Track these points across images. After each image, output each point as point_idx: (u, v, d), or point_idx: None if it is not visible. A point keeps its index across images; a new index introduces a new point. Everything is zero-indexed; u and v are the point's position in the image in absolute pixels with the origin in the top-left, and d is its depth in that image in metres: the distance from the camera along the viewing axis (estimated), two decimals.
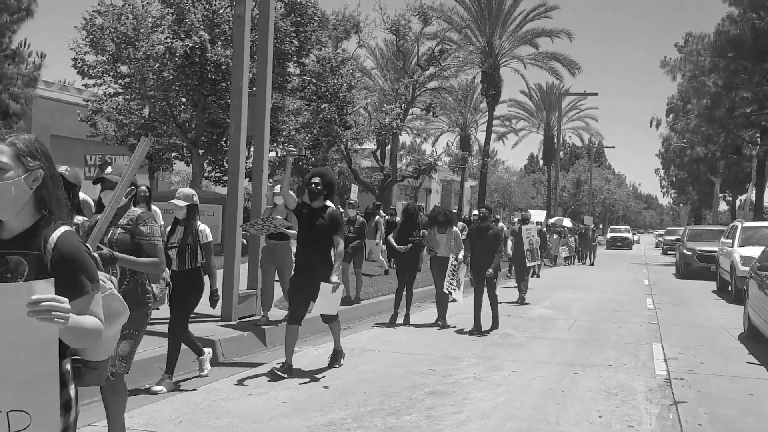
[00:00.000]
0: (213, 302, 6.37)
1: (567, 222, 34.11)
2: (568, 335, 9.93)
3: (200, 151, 19.48)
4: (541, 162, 65.22)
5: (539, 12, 33.73)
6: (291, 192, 6.84)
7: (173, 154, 23.38)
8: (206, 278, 6.29)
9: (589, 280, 20.52)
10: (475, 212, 18.59)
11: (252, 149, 10.25)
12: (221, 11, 18.13)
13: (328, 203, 6.96)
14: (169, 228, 6.43)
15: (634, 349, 8.87)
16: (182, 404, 5.62)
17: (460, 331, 9.81)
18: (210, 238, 6.22)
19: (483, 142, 37.04)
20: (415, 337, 9.33)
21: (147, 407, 5.49)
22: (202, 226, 6.22)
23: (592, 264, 29.57)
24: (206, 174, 22.45)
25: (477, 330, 9.68)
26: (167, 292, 5.97)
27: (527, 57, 35.21)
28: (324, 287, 6.54)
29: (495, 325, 10.11)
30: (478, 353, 8.24)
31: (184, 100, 18.94)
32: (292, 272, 7.29)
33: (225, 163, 21.42)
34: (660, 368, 7.67)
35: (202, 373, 6.35)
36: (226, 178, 23.66)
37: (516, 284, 14.50)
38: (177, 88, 17.94)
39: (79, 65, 17.49)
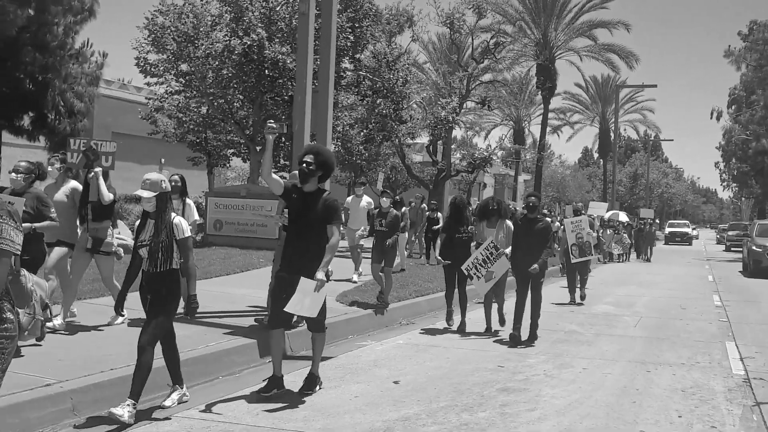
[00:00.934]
0: (190, 311, 5.30)
1: (623, 216, 32.94)
2: (635, 332, 9.71)
3: (258, 148, 19.74)
4: (595, 155, 64.00)
5: (595, 3, 33.08)
6: (275, 175, 5.80)
7: (231, 150, 23.81)
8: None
9: (649, 276, 20.03)
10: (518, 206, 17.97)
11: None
12: (278, 8, 18.33)
13: (326, 187, 5.98)
14: (138, 222, 5.41)
15: (706, 348, 8.62)
16: (257, 396, 5.69)
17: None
18: (187, 233, 5.19)
19: (536, 136, 36.61)
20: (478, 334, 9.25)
21: (220, 405, 5.58)
22: (177, 219, 5.19)
23: (648, 260, 28.17)
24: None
25: (515, 340, 8.32)
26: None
27: (583, 49, 34.63)
28: (305, 283, 5.47)
29: (532, 336, 8.52)
30: (545, 350, 8.12)
31: (241, 97, 19.23)
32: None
33: (282, 159, 21.68)
34: (737, 367, 7.43)
35: (164, 403, 5.27)
36: (281, 173, 24.07)
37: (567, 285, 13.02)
38: (235, 85, 18.23)
39: (142, 64, 17.90)
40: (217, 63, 17.48)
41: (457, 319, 9.30)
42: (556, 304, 12.36)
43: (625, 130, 65.35)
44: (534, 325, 8.59)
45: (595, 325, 10.23)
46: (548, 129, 44.74)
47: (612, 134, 45.02)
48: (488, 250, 8.63)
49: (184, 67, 18.02)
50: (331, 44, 9.22)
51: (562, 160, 59.15)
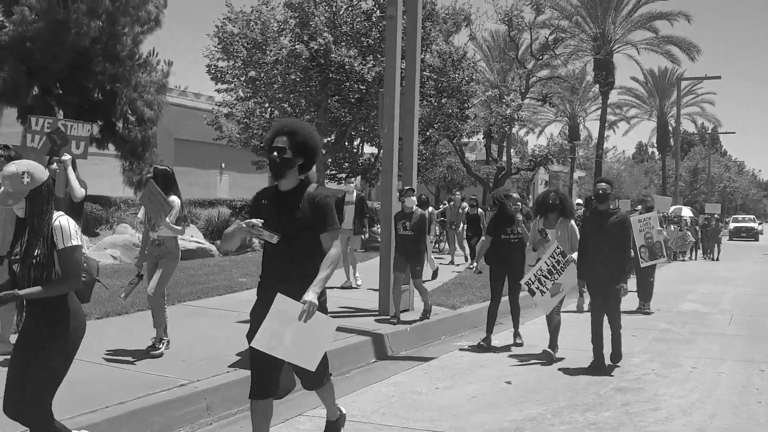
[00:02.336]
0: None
1: (686, 211, 31.63)
2: (731, 330, 9.50)
3: (323, 151, 19.94)
4: (650, 150, 62.72)
5: None
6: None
7: None
8: None
9: (724, 272, 19.53)
10: (578, 201, 17.07)
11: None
12: (342, 12, 18.50)
13: (312, 179, 4.25)
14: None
15: None
16: (375, 396, 5.78)
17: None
18: (74, 241, 3.54)
19: (591, 131, 36.05)
20: (575, 332, 9.17)
21: (344, 404, 5.68)
22: (58, 222, 3.51)
23: (716, 258, 26.53)
24: (327, 172, 22.98)
25: (597, 367, 6.72)
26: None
27: (641, 42, 33.98)
28: (283, 304, 3.69)
29: (616, 357, 6.93)
30: (646, 349, 8.01)
31: (303, 101, 19.43)
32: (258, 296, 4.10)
33: (346, 162, 21.87)
34: None
35: None
36: (342, 175, 24.25)
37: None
38: (300, 89, 18.47)
39: (213, 71, 18.28)
40: (282, 68, 17.73)
41: (500, 336, 8.21)
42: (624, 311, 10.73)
43: (682, 123, 63.91)
44: (616, 344, 6.94)
45: (688, 323, 10.04)
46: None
47: (671, 128, 44.00)
48: (554, 257, 6.97)
49: (252, 73, 18.32)
50: (417, 46, 9.27)
51: (617, 155, 58.02)
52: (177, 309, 8.48)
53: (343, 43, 17.59)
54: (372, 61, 17.04)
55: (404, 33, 9.23)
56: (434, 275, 11.11)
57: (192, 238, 16.65)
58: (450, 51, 18.35)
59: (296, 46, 17.33)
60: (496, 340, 8.10)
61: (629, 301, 9.90)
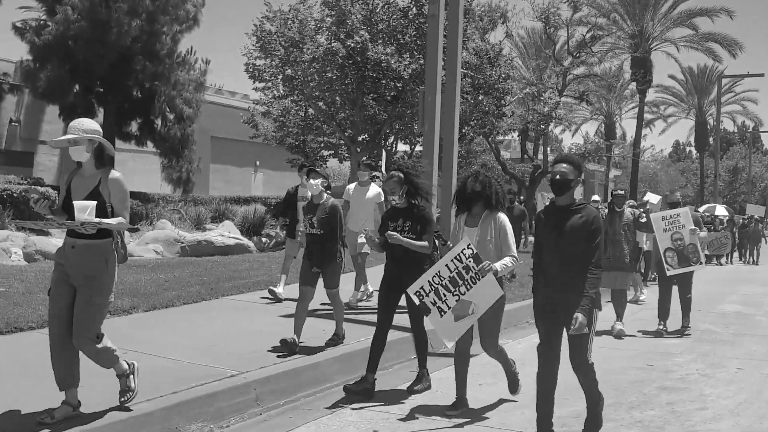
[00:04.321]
0: None
1: (721, 210, 29.83)
2: None
3: (358, 149, 20.05)
4: (688, 149, 61.65)
5: None
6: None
7: (329, 152, 24.28)
8: None
9: (765, 274, 19.17)
10: (595, 197, 17.01)
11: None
12: (378, 10, 18.58)
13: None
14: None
15: None
16: (419, 394, 5.83)
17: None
18: None
19: (627, 130, 35.58)
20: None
21: (389, 393, 5.75)
22: None
23: (756, 262, 24.83)
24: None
25: None
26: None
27: (681, 39, 33.40)
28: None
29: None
30: (688, 349, 7.93)
31: (338, 99, 19.55)
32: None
33: (380, 160, 21.94)
34: None
35: None
36: (377, 174, 24.35)
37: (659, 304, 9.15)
38: (337, 87, 18.60)
39: (251, 69, 18.50)
40: (319, 65, 17.88)
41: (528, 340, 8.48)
42: (642, 333, 8.95)
43: (722, 122, 62.64)
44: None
45: (731, 324, 9.90)
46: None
47: (710, 126, 43.21)
48: (460, 260, 5.04)
49: (289, 71, 18.50)
50: (458, 44, 9.31)
51: (654, 154, 57.17)
52: (221, 303, 8.65)
53: (379, 41, 17.67)
54: (408, 59, 17.09)
55: (445, 31, 9.28)
56: None
57: (230, 234, 16.88)
58: (486, 48, 18.31)
59: (333, 44, 17.47)
60: (519, 345, 8.09)
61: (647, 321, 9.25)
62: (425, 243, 5.66)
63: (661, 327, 8.88)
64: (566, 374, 6.57)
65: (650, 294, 11.66)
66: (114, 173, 4.52)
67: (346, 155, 22.58)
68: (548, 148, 26.00)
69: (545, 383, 4.78)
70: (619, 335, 8.53)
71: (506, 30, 25.09)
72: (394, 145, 23.53)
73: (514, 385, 5.65)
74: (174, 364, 5.75)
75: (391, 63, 16.82)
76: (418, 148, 22.51)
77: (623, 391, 5.97)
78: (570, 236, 4.46)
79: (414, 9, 17.97)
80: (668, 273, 8.82)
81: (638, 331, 8.90)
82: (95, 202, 4.32)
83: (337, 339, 6.79)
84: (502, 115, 19.24)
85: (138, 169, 29.90)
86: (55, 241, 13.20)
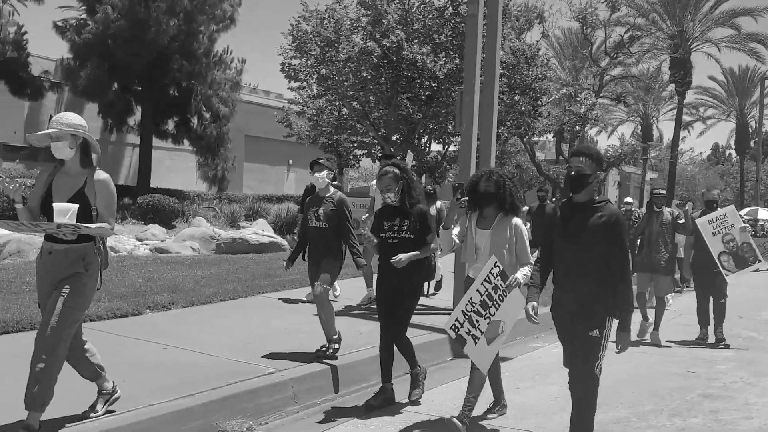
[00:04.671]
0: None
1: (763, 213, 29.14)
2: None
3: (392, 148, 20.03)
4: (728, 152, 60.34)
5: None
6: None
7: (362, 151, 24.30)
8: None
9: None
10: (628, 199, 16.57)
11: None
12: (414, 9, 18.53)
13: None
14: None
15: None
16: (457, 393, 5.79)
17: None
18: None
19: (664, 132, 34.97)
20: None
21: (426, 394, 5.73)
22: None
23: None
24: None
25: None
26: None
27: (722, 39, 32.77)
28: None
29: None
30: (732, 356, 7.76)
31: (372, 98, 19.54)
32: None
33: (413, 160, 21.88)
34: None
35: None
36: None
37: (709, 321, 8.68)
38: (371, 87, 18.59)
39: (287, 69, 18.60)
40: (354, 65, 17.89)
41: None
42: (674, 342, 8.51)
43: (765, 124, 61.09)
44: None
45: None
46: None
47: (751, 129, 42.21)
48: (489, 281, 4.66)
49: (324, 71, 18.55)
50: (497, 44, 9.22)
51: (692, 157, 56.02)
52: (257, 300, 8.71)
53: (415, 41, 17.61)
54: (444, 58, 17.01)
55: (483, 30, 9.20)
56: (437, 286, 9.88)
57: (263, 232, 17.00)
58: (524, 48, 18.15)
59: (368, 44, 17.47)
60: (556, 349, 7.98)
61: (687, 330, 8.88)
62: (429, 246, 5.38)
63: (703, 336, 8.56)
64: (603, 376, 6.47)
65: (677, 302, 11.48)
66: (101, 174, 4.19)
67: (380, 155, 22.58)
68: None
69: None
70: (655, 342, 8.34)
71: (543, 30, 24.86)
72: (427, 145, 23.45)
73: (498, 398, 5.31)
74: (212, 360, 5.80)
75: (427, 63, 16.76)
76: (452, 148, 22.41)
77: (663, 397, 5.86)
78: (588, 237, 4.04)
79: (450, 8, 17.87)
80: (727, 278, 8.35)
81: (671, 341, 8.66)
82: (77, 205, 3.96)
83: (332, 345, 6.02)
84: (538, 115, 19.05)
85: (174, 167, 30.32)
86: None
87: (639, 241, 8.62)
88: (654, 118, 42.73)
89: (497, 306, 4.67)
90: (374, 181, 8.08)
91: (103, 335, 6.36)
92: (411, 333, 5.73)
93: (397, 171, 5.36)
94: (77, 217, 3.93)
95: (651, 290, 9.07)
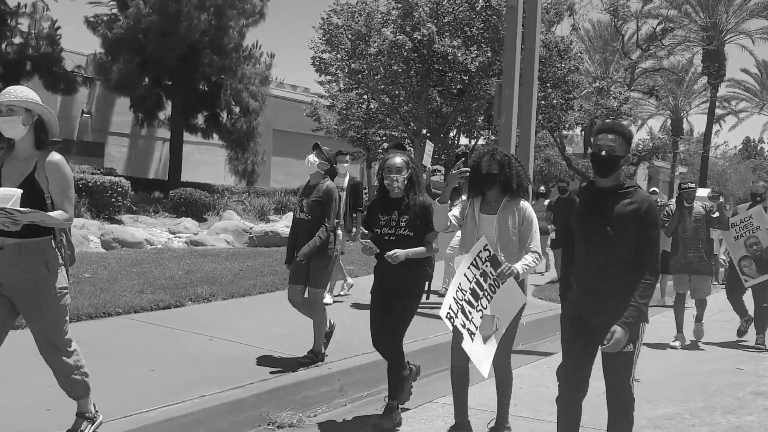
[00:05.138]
0: None
1: None
2: None
3: (422, 142, 19.98)
4: (760, 146, 59.25)
5: None
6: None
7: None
8: None
9: None
10: (655, 188, 16.08)
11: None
12: (444, 3, 18.45)
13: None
14: None
15: None
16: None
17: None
18: None
19: (694, 126, 34.43)
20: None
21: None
22: None
23: None
24: None
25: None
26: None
27: (757, 31, 32.13)
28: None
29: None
30: None
31: (402, 92, 19.50)
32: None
33: (442, 153, 21.83)
34: None
35: None
36: (439, 168, 24.22)
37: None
38: (402, 80, 18.56)
39: (317, 63, 18.63)
40: (384, 58, 17.87)
41: None
42: (715, 340, 8.22)
43: None
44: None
45: None
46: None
47: None
48: (476, 265, 4.07)
49: (355, 64, 18.56)
50: (536, 36, 9.12)
51: (726, 150, 54.98)
52: None
53: (446, 34, 17.54)
54: (476, 51, 16.92)
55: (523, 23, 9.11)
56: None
57: (287, 227, 17.07)
58: (556, 41, 17.98)
59: (398, 37, 17.43)
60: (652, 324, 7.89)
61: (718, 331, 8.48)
62: (431, 245, 4.74)
63: (744, 326, 8.29)
64: (651, 371, 6.41)
65: (714, 299, 11.25)
66: (54, 155, 3.63)
67: (409, 149, 22.54)
68: None
69: (568, 419, 3.78)
70: (698, 337, 8.01)
71: (573, 23, 24.60)
72: (456, 139, 23.38)
73: (501, 422, 4.52)
74: (257, 351, 5.81)
75: (458, 56, 16.68)
76: (481, 141, 22.30)
77: (713, 394, 5.76)
78: (615, 227, 3.42)
79: (481, 1, 17.76)
80: (747, 285, 7.98)
81: (711, 340, 8.49)
82: (20, 191, 3.42)
83: (314, 357, 5.53)
84: (569, 108, 18.89)
85: (203, 161, 30.55)
86: (132, 229, 13.58)
87: (672, 240, 7.90)
88: (684, 112, 42.10)
89: (489, 297, 4.02)
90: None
91: (148, 326, 6.42)
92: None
93: (406, 158, 4.76)
94: (26, 206, 3.40)
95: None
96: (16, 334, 4.22)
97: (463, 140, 25.01)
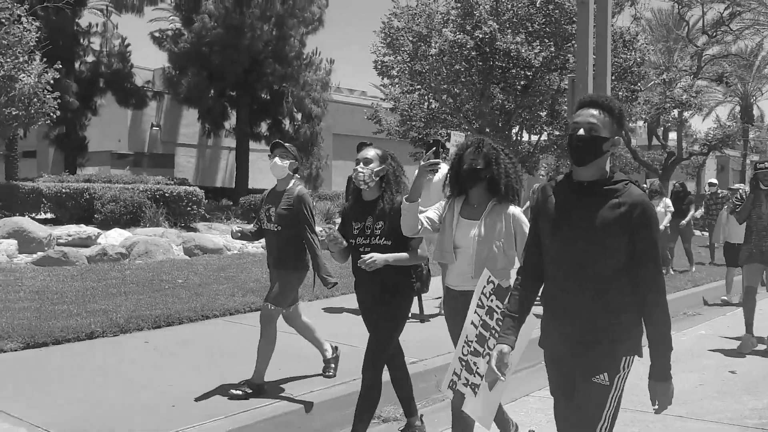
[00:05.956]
0: None
1: None
2: None
3: (492, 133, 19.96)
4: None
5: None
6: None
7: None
8: None
9: None
10: (712, 180, 15.27)
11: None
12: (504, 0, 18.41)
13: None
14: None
15: None
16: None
17: None
18: None
19: (765, 112, 33.19)
20: None
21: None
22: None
23: None
24: None
25: None
26: None
27: None
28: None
29: None
30: None
31: (465, 91, 19.50)
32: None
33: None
34: None
35: None
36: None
37: None
38: (464, 79, 18.59)
39: (379, 66, 18.85)
40: (446, 58, 17.94)
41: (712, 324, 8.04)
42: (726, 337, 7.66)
43: None
44: None
45: None
46: None
47: None
48: (482, 304, 3.40)
49: (417, 66, 18.67)
50: (608, 30, 9.10)
51: None
52: None
53: (508, 30, 17.49)
54: (539, 46, 16.82)
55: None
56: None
57: None
58: (621, 31, 17.72)
59: (458, 37, 17.48)
60: (684, 336, 7.81)
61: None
62: (416, 252, 3.98)
63: None
64: (750, 364, 6.33)
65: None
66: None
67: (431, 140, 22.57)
68: (683, 134, 24.75)
69: None
70: None
71: (634, 12, 24.13)
72: (519, 135, 23.24)
73: None
74: (354, 350, 6.00)
75: (522, 52, 16.62)
76: (544, 137, 22.12)
77: None
78: (596, 235, 2.56)
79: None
80: None
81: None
82: None
83: (246, 393, 4.68)
84: (634, 100, 18.57)
85: (266, 168, 31.26)
86: (210, 235, 14.04)
87: (746, 228, 7.24)
88: (754, 98, 40.68)
89: (495, 335, 3.30)
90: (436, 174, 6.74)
91: (245, 327, 6.70)
92: None
93: (381, 152, 4.08)
94: None
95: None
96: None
97: (526, 136, 24.86)
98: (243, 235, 4.95)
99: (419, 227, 3.69)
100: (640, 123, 31.55)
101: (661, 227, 11.78)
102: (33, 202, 16.77)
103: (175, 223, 17.00)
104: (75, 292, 7.63)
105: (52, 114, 15.56)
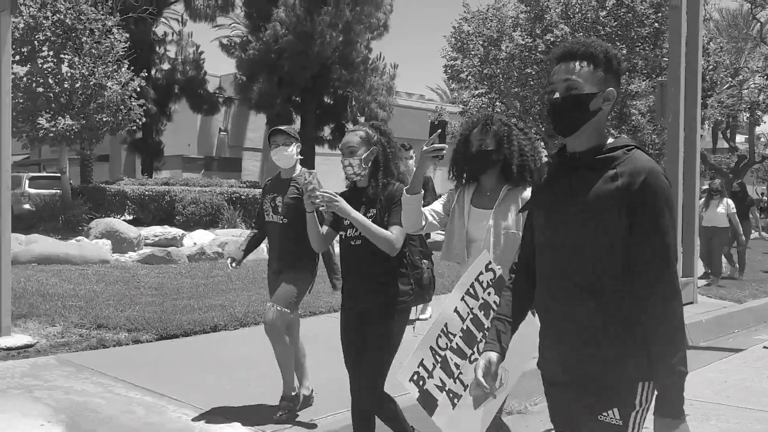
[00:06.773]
0: None
1: None
2: None
3: (555, 141, 19.97)
4: None
5: None
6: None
7: None
8: None
9: None
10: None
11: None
12: (574, 3, 18.43)
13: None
14: None
15: None
16: (709, 383, 5.88)
17: None
18: None
19: None
20: None
21: None
22: None
23: None
24: None
25: None
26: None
27: None
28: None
29: None
30: None
31: (535, 96, 19.53)
32: None
33: None
34: None
35: None
36: None
37: None
38: (532, 82, 18.68)
39: (449, 71, 19.10)
40: (518, 62, 18.06)
41: None
42: None
43: None
44: None
45: None
46: None
47: None
48: (474, 292, 2.67)
49: (487, 70, 18.84)
50: (699, 34, 9.12)
51: None
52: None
53: (580, 33, 17.52)
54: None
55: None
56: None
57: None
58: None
59: (527, 41, 17.59)
60: None
61: None
62: (390, 234, 3.17)
63: None
64: None
65: None
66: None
67: (543, 150, 22.56)
68: (754, 136, 24.23)
69: None
70: None
71: (705, 14, 23.70)
72: None
73: None
74: None
75: None
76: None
77: None
78: (588, 214, 1.96)
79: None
80: None
81: None
82: None
83: (290, 406, 4.30)
84: (704, 106, 18.35)
85: (330, 172, 31.84)
86: None
87: None
88: None
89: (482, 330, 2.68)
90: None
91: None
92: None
93: (368, 131, 3.37)
94: None
95: None
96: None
97: None
98: (243, 256, 4.49)
99: (423, 222, 3.09)
100: (705, 126, 31.01)
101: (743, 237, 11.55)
102: (118, 204, 17.56)
103: (250, 225, 17.56)
104: (189, 289, 8.07)
105: (138, 120, 16.29)
